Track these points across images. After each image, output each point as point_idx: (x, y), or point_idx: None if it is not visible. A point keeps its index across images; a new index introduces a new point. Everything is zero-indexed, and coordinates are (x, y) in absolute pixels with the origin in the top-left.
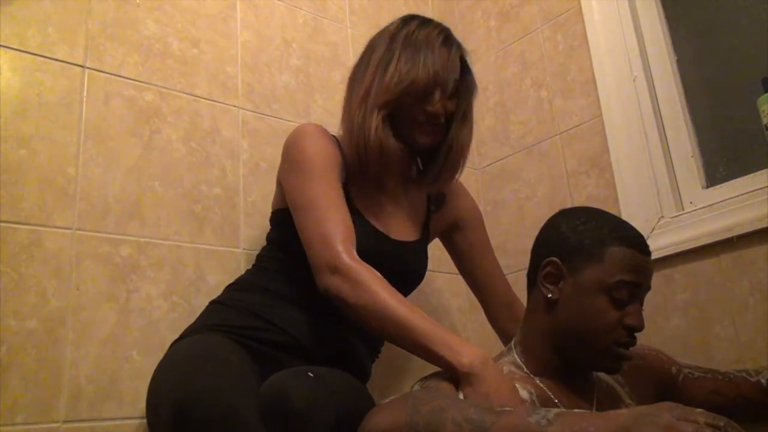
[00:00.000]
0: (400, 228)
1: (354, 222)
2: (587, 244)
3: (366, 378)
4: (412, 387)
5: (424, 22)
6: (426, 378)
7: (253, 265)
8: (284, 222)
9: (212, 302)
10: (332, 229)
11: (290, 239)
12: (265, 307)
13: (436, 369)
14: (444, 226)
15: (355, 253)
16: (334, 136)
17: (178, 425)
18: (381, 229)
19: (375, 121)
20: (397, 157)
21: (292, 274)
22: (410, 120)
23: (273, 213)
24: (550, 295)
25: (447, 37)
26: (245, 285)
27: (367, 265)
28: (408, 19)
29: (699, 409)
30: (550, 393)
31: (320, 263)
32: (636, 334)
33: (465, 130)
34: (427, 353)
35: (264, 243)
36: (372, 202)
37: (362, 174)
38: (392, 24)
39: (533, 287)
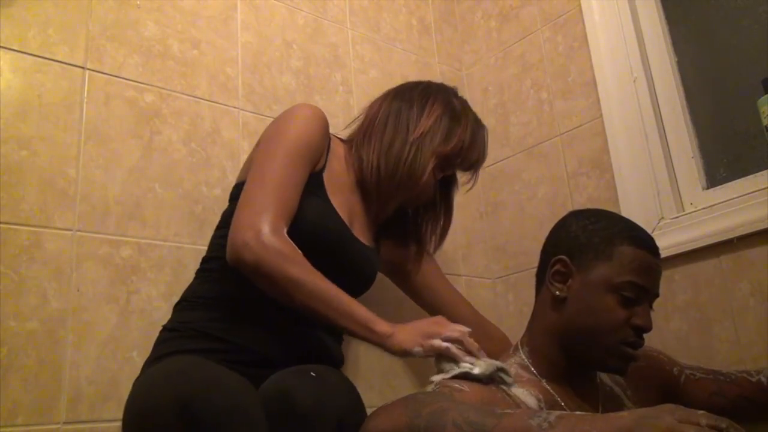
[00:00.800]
0: (361, 230)
1: (325, 210)
2: (596, 242)
3: (341, 364)
4: (425, 387)
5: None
6: (443, 380)
7: (201, 264)
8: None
9: (164, 329)
10: (271, 202)
11: None
12: (217, 323)
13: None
14: (390, 256)
15: (284, 231)
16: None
17: (184, 424)
18: (348, 224)
19: (430, 165)
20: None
21: None
22: None
23: (236, 186)
24: (558, 293)
25: None
26: (193, 302)
27: (291, 242)
28: (461, 96)
29: (701, 411)
30: (557, 396)
31: (241, 225)
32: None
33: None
34: (354, 326)
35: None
36: (344, 199)
37: (368, 190)
38: (442, 85)
39: (542, 286)
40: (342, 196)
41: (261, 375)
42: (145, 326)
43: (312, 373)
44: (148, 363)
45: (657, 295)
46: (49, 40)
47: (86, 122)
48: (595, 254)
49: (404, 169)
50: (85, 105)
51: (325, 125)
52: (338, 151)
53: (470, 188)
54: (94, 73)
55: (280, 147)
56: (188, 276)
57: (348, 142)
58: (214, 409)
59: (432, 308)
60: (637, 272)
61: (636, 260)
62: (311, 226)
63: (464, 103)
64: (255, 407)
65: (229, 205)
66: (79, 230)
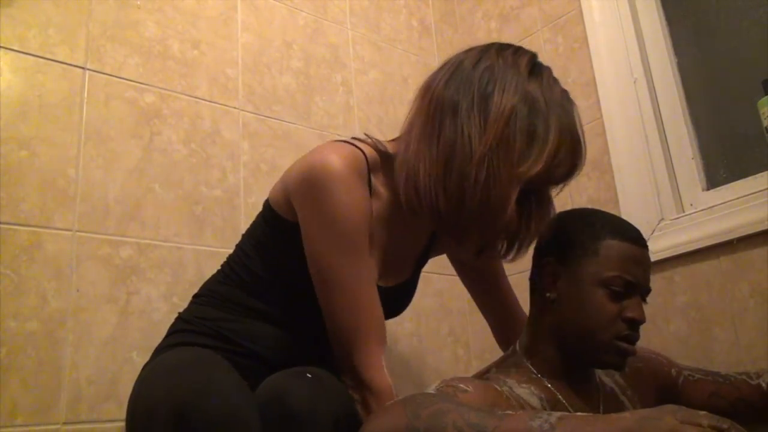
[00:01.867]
0: (397, 268)
1: None
2: (582, 240)
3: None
4: (427, 388)
5: (554, 79)
6: (446, 380)
7: (225, 264)
8: (285, 234)
9: (179, 317)
10: (369, 325)
11: (283, 255)
12: (230, 323)
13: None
14: (447, 250)
15: (383, 359)
16: (359, 151)
17: (180, 429)
18: (376, 281)
19: (513, 195)
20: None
21: (270, 286)
22: None
23: (272, 211)
24: (548, 294)
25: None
26: (212, 299)
27: (390, 386)
28: (539, 65)
29: (703, 412)
30: (559, 395)
31: (351, 366)
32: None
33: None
34: None
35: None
36: (376, 244)
37: (406, 214)
38: (514, 59)
39: (534, 289)
40: (372, 247)
41: (266, 373)
42: (145, 327)
43: (308, 375)
44: (158, 351)
45: (648, 288)
46: (49, 41)
47: (86, 122)
48: (582, 251)
49: (474, 196)
50: (85, 105)
51: (361, 178)
52: (376, 191)
53: (558, 192)
54: (94, 73)
55: (341, 239)
56: (188, 276)
57: (394, 157)
58: (209, 418)
59: (486, 299)
60: (624, 265)
61: (623, 253)
62: None
63: (546, 86)
64: (250, 411)
65: (261, 227)
66: (79, 230)
